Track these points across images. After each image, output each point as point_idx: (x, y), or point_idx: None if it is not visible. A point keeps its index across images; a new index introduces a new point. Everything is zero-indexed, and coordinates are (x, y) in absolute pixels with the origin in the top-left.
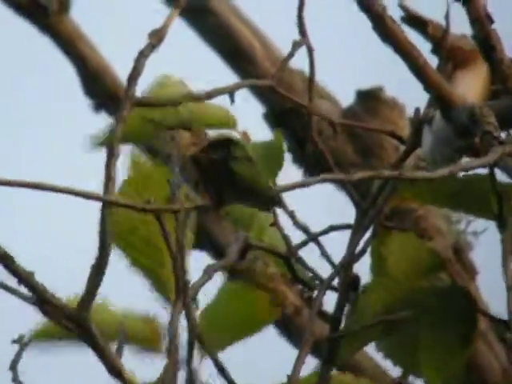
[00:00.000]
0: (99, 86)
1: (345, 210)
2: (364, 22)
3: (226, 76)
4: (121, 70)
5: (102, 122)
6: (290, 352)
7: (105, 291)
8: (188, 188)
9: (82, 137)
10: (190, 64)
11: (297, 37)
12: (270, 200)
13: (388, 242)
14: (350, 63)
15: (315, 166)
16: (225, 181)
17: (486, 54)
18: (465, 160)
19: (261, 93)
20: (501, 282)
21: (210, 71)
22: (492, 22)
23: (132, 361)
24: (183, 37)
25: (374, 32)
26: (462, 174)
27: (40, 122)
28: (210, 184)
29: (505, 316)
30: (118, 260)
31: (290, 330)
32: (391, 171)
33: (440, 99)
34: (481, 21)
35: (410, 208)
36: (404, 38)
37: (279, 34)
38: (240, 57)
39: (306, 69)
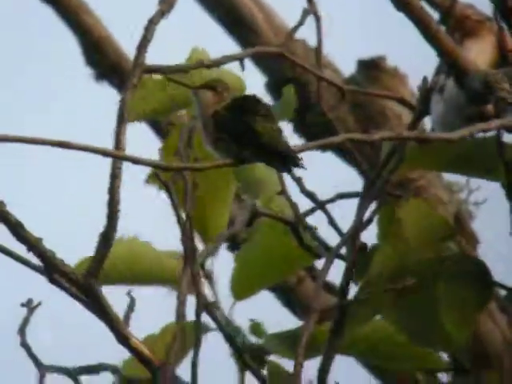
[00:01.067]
0: (101, 56)
1: (348, 181)
2: None
3: (228, 45)
4: (123, 40)
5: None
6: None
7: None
8: (208, 146)
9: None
10: (193, 33)
11: (298, 6)
12: (291, 160)
13: (402, 208)
14: (351, 32)
15: (316, 135)
16: (245, 139)
17: (502, 15)
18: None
19: (262, 62)
20: (499, 251)
21: (212, 40)
22: None
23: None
24: (185, 7)
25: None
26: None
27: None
28: (231, 142)
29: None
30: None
31: (293, 299)
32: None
33: (453, 66)
34: None
35: (411, 178)
36: (417, 4)
37: (280, 2)
38: (242, 26)
39: (308, 37)
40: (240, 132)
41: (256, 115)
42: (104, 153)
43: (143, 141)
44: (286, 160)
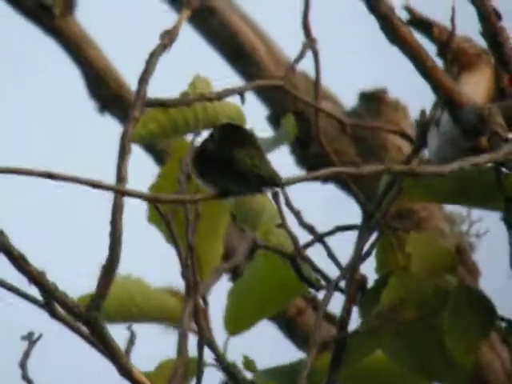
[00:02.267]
0: (103, 88)
1: (345, 212)
2: (367, 24)
3: (228, 75)
4: (125, 71)
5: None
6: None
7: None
8: (197, 179)
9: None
10: (194, 64)
11: (300, 37)
12: (268, 182)
13: (408, 241)
14: (352, 65)
15: (318, 168)
16: (229, 172)
17: (494, 50)
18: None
19: (264, 95)
20: (501, 283)
21: (213, 72)
22: (500, 18)
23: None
24: (186, 37)
25: (381, 32)
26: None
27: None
28: (215, 176)
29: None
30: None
31: (293, 330)
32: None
33: (448, 100)
34: (489, 17)
35: (412, 210)
36: (412, 39)
37: (282, 35)
38: (244, 58)
39: (309, 70)
40: (221, 163)
41: (237, 145)
42: (106, 187)
43: (141, 167)
44: (268, 185)
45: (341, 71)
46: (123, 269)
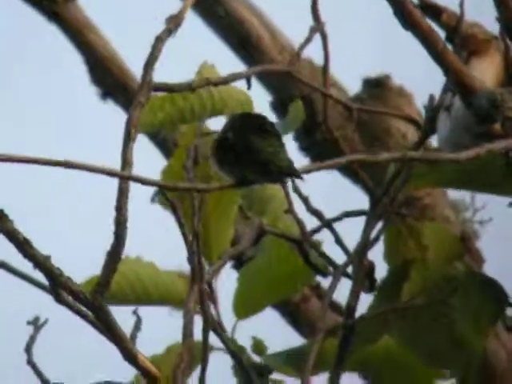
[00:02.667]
0: (106, 74)
1: (349, 199)
2: (372, 10)
3: (233, 63)
4: (128, 58)
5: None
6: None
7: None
8: (215, 167)
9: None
10: (200, 52)
11: (304, 24)
12: (287, 172)
13: (424, 231)
14: (356, 50)
15: (322, 155)
16: (246, 159)
17: (510, 34)
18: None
19: (268, 81)
20: (505, 270)
21: (219, 60)
22: None
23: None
24: (191, 25)
25: (382, 19)
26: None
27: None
28: (234, 163)
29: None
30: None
31: (297, 317)
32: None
33: (460, 85)
34: (506, 2)
35: (416, 196)
36: (424, 23)
37: (286, 22)
38: (248, 45)
39: (313, 56)
40: (241, 152)
41: (257, 134)
42: (111, 173)
43: (147, 156)
44: (287, 176)
45: (344, 57)
46: (131, 253)
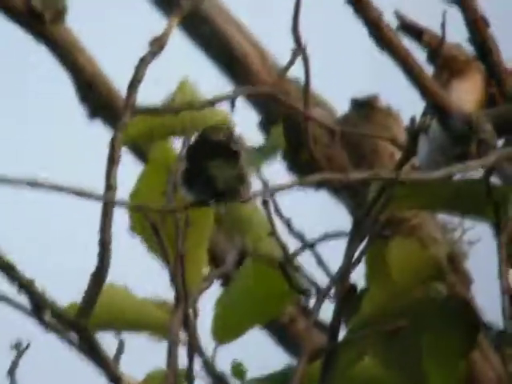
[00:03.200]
0: (94, 94)
1: (337, 220)
2: (359, 31)
3: (220, 85)
4: (116, 78)
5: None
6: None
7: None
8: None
9: None
10: (186, 71)
11: (292, 42)
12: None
13: (390, 248)
14: (343, 71)
15: (310, 174)
16: (204, 181)
17: (482, 56)
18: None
19: (256, 101)
20: (494, 291)
21: (205, 79)
22: (488, 25)
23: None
24: (178, 44)
25: (369, 39)
26: (457, 177)
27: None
28: (193, 185)
29: (499, 324)
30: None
31: (285, 338)
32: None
33: (436, 107)
34: (477, 24)
35: (404, 217)
36: (400, 46)
37: (273, 40)
38: (235, 65)
39: (301, 77)
40: (193, 175)
41: (209, 156)
42: (94, 196)
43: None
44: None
45: (333, 77)
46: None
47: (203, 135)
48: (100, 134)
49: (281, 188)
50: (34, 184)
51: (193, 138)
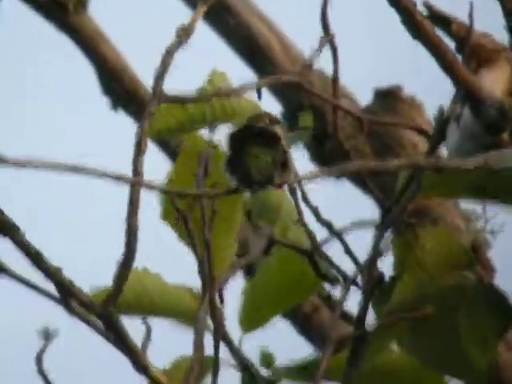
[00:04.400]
0: (117, 85)
1: (359, 209)
2: (383, 21)
3: (244, 76)
4: (139, 68)
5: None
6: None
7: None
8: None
9: None
10: (210, 63)
11: (315, 34)
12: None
13: (421, 237)
14: (367, 61)
15: (332, 164)
16: (237, 169)
17: None
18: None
19: (279, 92)
20: None
21: (229, 70)
22: None
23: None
24: (202, 36)
25: (391, 29)
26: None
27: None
28: (234, 172)
29: None
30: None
31: (308, 327)
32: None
33: (469, 95)
34: None
35: (428, 206)
36: (434, 33)
37: (297, 33)
38: (259, 55)
39: (324, 67)
40: (235, 162)
41: (249, 143)
42: (122, 179)
43: (153, 162)
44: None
45: (356, 68)
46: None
47: (247, 123)
48: (121, 124)
49: (311, 177)
50: (74, 169)
51: (234, 127)
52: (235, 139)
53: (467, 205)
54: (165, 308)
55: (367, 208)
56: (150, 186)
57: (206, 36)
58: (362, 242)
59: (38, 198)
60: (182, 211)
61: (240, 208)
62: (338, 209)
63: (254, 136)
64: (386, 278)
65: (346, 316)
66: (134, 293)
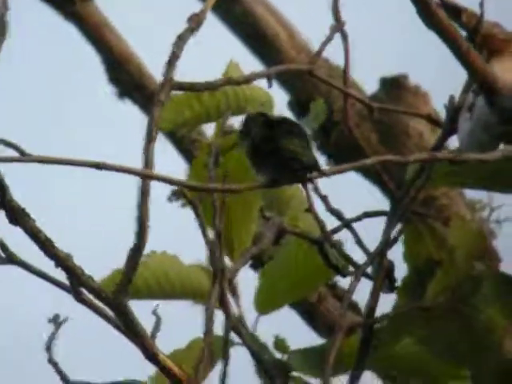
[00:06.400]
0: (124, 74)
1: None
2: (386, 10)
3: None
4: (145, 57)
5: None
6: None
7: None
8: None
9: None
10: (218, 52)
11: (322, 23)
12: (311, 168)
13: (451, 230)
14: (372, 50)
15: (340, 154)
16: (274, 161)
17: None
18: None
19: (286, 81)
20: None
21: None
22: None
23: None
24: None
25: (397, 19)
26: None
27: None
28: (262, 166)
29: None
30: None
31: (314, 316)
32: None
33: (484, 84)
34: None
35: (433, 196)
36: (448, 23)
37: (303, 22)
38: (265, 44)
39: (330, 56)
40: (267, 154)
41: (282, 135)
42: (136, 173)
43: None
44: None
45: (361, 56)
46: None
47: (275, 117)
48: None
49: (337, 170)
50: (99, 166)
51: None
52: (263, 130)
53: (473, 194)
54: (184, 289)
55: (363, 196)
56: (166, 180)
57: (213, 25)
58: (368, 233)
59: (45, 188)
60: (192, 201)
61: (259, 196)
62: (348, 199)
63: (280, 128)
64: (396, 268)
65: (352, 305)
66: (155, 276)
